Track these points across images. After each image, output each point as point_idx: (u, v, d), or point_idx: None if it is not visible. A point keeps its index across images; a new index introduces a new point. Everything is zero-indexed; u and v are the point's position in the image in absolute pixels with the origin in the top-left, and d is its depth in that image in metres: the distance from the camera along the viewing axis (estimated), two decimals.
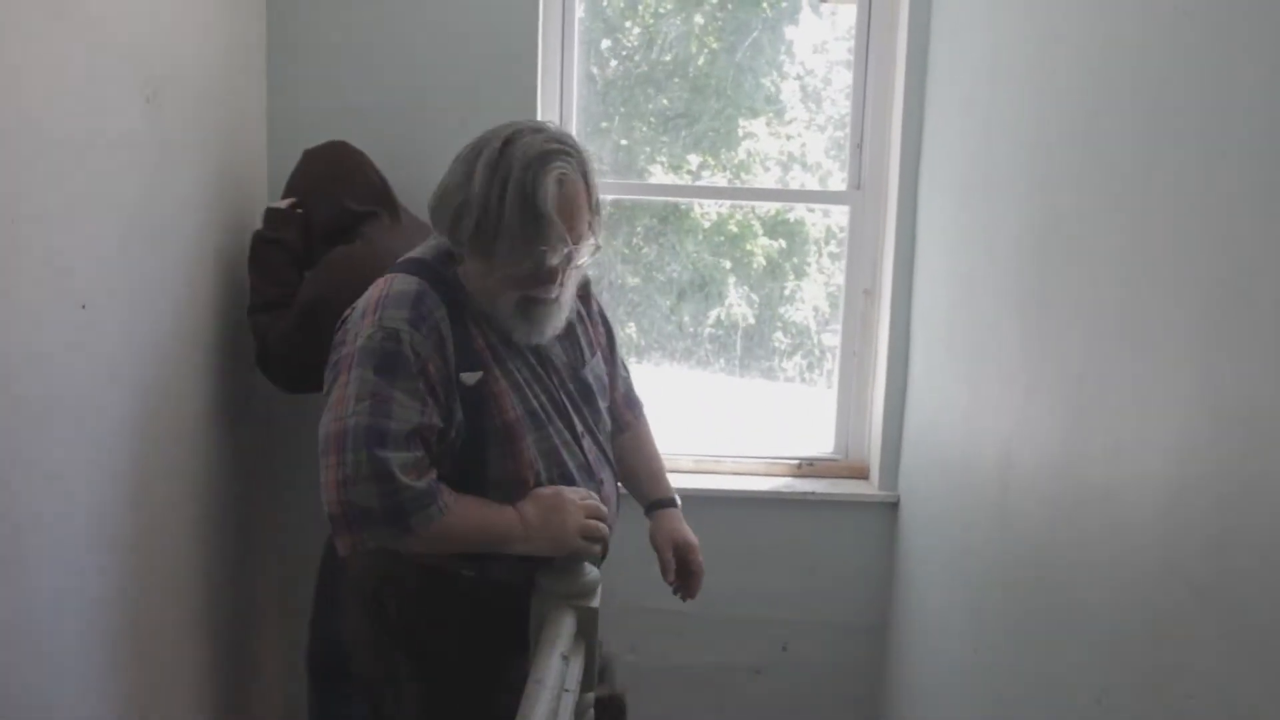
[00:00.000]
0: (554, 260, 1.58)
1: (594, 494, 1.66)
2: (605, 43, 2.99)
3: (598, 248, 1.68)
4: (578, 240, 1.60)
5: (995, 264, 2.04)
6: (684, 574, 1.87)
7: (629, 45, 3.02)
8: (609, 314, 1.99)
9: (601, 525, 1.62)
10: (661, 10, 2.99)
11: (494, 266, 1.60)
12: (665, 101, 3.04)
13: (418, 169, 2.74)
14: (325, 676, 2.37)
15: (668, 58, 3.01)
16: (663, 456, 2.03)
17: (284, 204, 2.34)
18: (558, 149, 1.58)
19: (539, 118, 2.72)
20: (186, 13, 2.18)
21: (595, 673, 1.54)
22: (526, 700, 1.24)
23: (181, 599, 2.22)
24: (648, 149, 3.01)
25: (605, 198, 1.82)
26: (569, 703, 1.37)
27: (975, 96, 2.23)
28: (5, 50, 1.58)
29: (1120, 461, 1.44)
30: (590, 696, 1.56)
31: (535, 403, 1.68)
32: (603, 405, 1.83)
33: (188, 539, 2.24)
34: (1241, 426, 1.16)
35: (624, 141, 3.03)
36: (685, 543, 1.87)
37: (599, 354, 1.85)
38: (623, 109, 3.03)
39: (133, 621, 2.00)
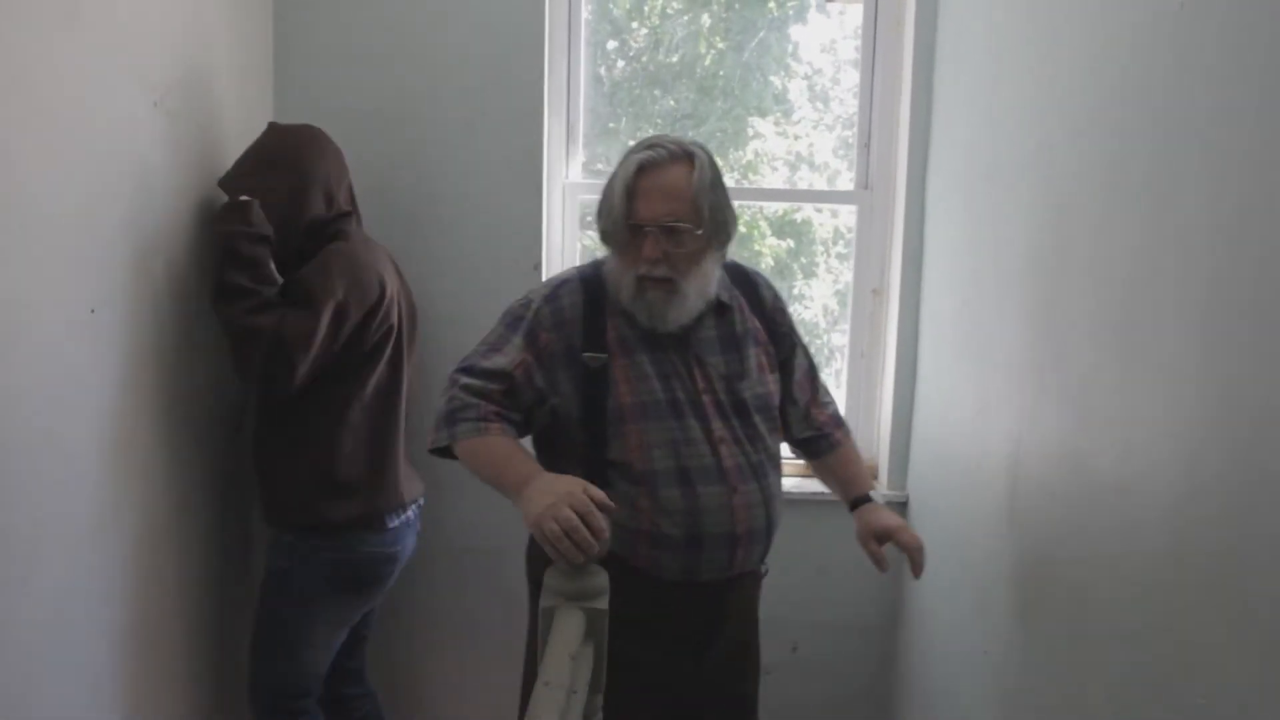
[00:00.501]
0: (635, 230, 1.80)
1: (608, 506, 1.57)
2: (612, 43, 2.99)
3: (710, 237, 1.83)
4: (668, 220, 1.79)
5: (1003, 263, 2.03)
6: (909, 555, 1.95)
7: (636, 46, 3.02)
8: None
9: (564, 541, 1.51)
10: (668, 11, 2.99)
11: (610, 247, 1.87)
12: (672, 102, 3.04)
13: (424, 171, 2.75)
14: None
15: (674, 58, 3.00)
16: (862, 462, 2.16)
17: (245, 199, 2.14)
18: (657, 143, 1.84)
19: (545, 119, 2.73)
20: (193, 17, 2.18)
21: (604, 674, 1.54)
22: (534, 702, 1.24)
23: (188, 599, 2.22)
24: None
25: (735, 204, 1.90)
26: (577, 704, 1.36)
27: (982, 95, 2.23)
28: (14, 55, 1.59)
29: (1129, 460, 1.43)
30: (599, 699, 1.55)
31: (661, 395, 1.85)
32: (762, 423, 1.92)
33: (197, 540, 2.25)
34: (1250, 423, 1.15)
35: (631, 143, 3.02)
36: (883, 529, 1.96)
37: (769, 378, 1.96)
38: (630, 110, 3.03)
39: (141, 621, 2.01)
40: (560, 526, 1.49)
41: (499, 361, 1.83)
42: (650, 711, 1.90)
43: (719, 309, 1.93)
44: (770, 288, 2.07)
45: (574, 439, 1.85)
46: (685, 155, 1.83)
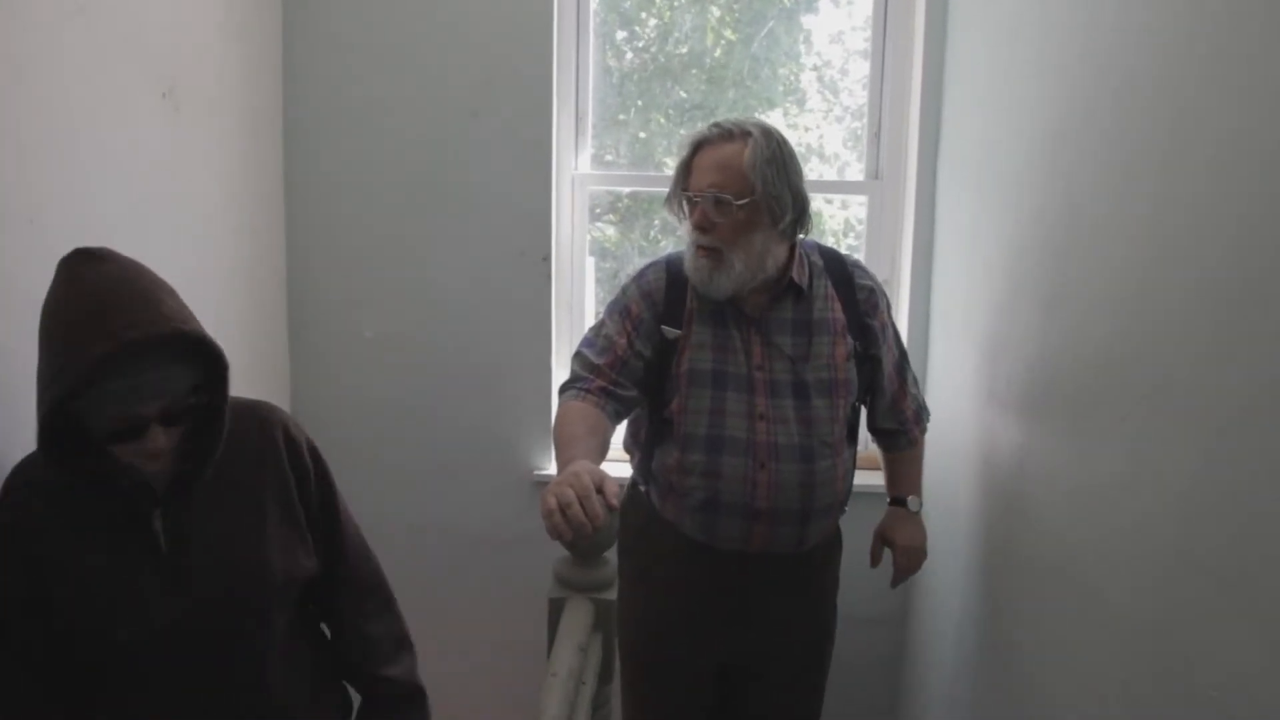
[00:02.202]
0: (690, 201, 1.96)
1: (605, 491, 1.57)
2: (621, 34, 2.98)
3: (760, 211, 1.91)
4: (711, 190, 1.91)
5: (1014, 253, 2.02)
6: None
7: (645, 37, 3.01)
8: None
9: (556, 515, 1.52)
10: (677, 2, 2.98)
11: (671, 216, 2.04)
12: (682, 93, 3.03)
13: (432, 162, 2.75)
14: None
15: (684, 49, 2.99)
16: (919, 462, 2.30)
17: None
18: (718, 123, 1.96)
19: (554, 111, 2.72)
20: (202, 7, 2.18)
21: (613, 664, 1.54)
22: (544, 692, 1.24)
23: None
24: (665, 141, 3.00)
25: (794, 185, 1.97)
26: (586, 694, 1.37)
27: (993, 85, 2.21)
28: (22, 48, 1.59)
29: (1141, 451, 1.42)
30: (608, 689, 1.55)
31: (710, 366, 1.99)
32: (824, 408, 2.00)
33: None
34: (1263, 413, 1.14)
35: (641, 134, 3.02)
36: (889, 540, 2.23)
37: (842, 365, 2.03)
38: (639, 101, 3.02)
39: None
40: (557, 502, 1.51)
41: (605, 335, 2.02)
42: (676, 654, 2.10)
43: (798, 293, 2.02)
44: (868, 280, 2.11)
45: (650, 396, 2.03)
46: (742, 133, 1.93)
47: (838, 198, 3.06)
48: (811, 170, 2.98)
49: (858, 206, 2.97)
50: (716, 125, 1.96)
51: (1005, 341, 2.06)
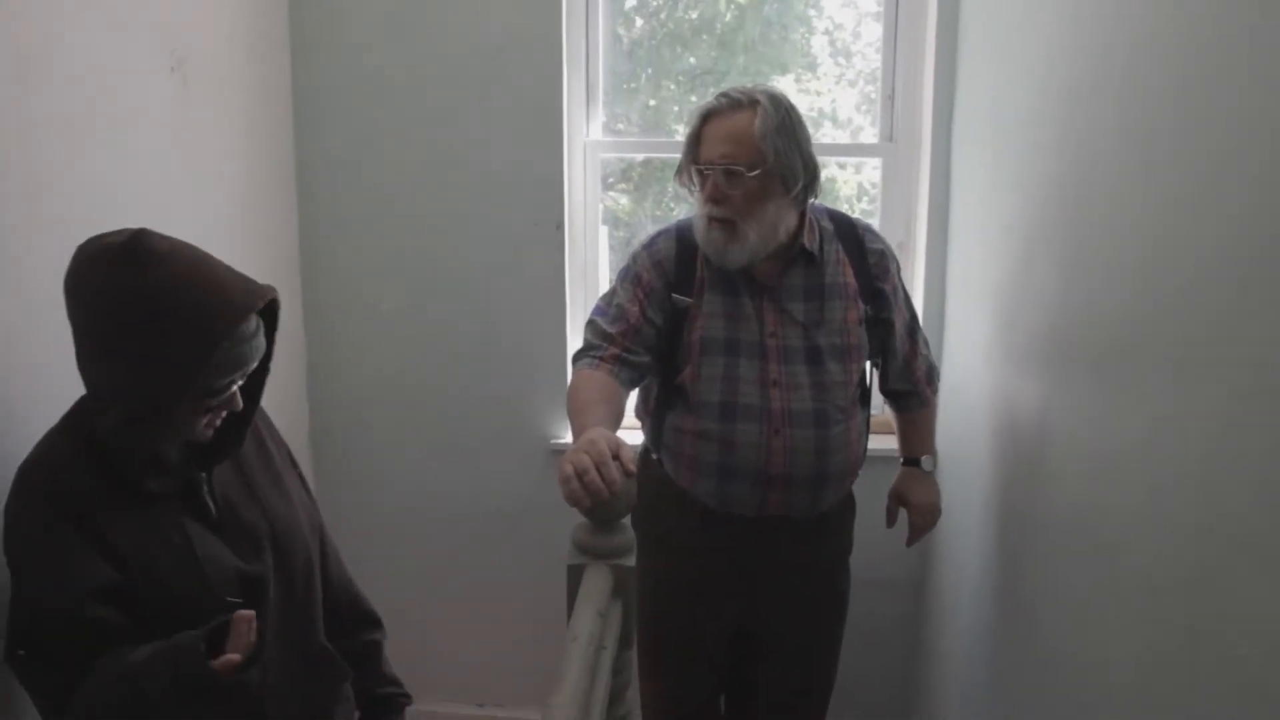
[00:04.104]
0: (700, 173, 1.94)
1: (621, 457, 1.56)
2: (630, 1, 2.95)
3: (772, 180, 1.91)
4: (722, 162, 1.90)
5: (1032, 214, 2.00)
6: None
7: (655, 3, 2.98)
8: None
9: (573, 482, 1.52)
10: None
11: (683, 189, 2.03)
12: (692, 60, 3.00)
13: (443, 132, 2.74)
14: None
15: (694, 14, 2.96)
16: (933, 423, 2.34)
17: None
18: (725, 92, 1.94)
19: (564, 78, 2.70)
20: None
21: (632, 629, 1.54)
22: (564, 657, 1.24)
23: None
24: (676, 108, 2.97)
25: (799, 152, 1.95)
26: (606, 659, 1.37)
27: (1009, 44, 2.18)
28: (30, 22, 1.58)
29: (1162, 413, 1.41)
30: (628, 654, 1.56)
31: (723, 334, 2.00)
32: (838, 373, 2.01)
33: None
34: None
35: (651, 102, 3.00)
36: (905, 500, 2.27)
37: (854, 330, 2.04)
38: (650, 68, 2.99)
39: None
40: (574, 469, 1.51)
41: (617, 304, 2.02)
42: (694, 616, 2.12)
43: (809, 258, 2.01)
44: (878, 244, 2.12)
45: (661, 364, 2.04)
46: (750, 102, 1.91)
47: (850, 162, 3.04)
48: (824, 135, 2.95)
49: (870, 171, 2.95)
50: (724, 95, 1.94)
51: (1023, 304, 2.04)
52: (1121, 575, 1.53)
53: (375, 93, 2.72)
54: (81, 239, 1.73)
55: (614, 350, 1.96)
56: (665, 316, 2.02)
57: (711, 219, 1.94)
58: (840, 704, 2.35)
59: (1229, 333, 1.24)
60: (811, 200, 2.01)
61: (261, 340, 1.41)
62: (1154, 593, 1.42)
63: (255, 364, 1.41)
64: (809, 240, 2.01)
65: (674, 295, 2.02)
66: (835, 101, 3.01)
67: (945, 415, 2.62)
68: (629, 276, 2.05)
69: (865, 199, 3.03)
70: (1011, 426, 2.10)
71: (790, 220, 1.98)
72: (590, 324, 2.04)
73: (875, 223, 2.81)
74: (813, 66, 2.99)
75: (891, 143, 2.76)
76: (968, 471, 2.41)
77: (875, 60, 2.83)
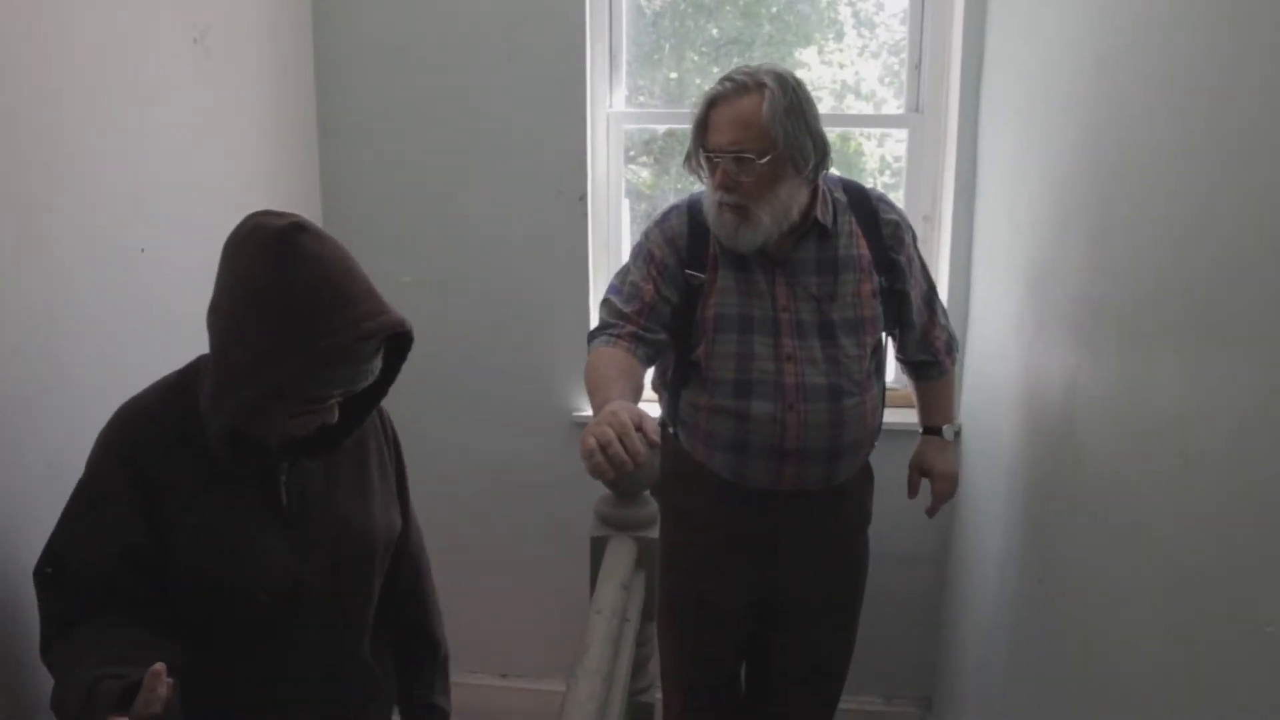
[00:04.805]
0: (710, 159, 1.93)
1: (645, 429, 1.55)
2: None
3: (784, 163, 1.89)
4: (732, 149, 1.88)
5: (1061, 185, 1.97)
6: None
7: None
8: None
9: (597, 455, 1.51)
10: None
11: (692, 174, 2.01)
12: (715, 31, 2.97)
13: (466, 103, 2.72)
14: None
15: None
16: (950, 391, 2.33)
17: None
18: (730, 76, 1.91)
19: (587, 49, 2.68)
20: None
21: (655, 602, 1.54)
22: (587, 629, 1.24)
23: None
24: (699, 79, 2.95)
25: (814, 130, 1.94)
26: (629, 631, 1.37)
27: (1039, 13, 2.15)
28: None
29: (1193, 388, 1.39)
30: (652, 627, 1.56)
31: (735, 310, 1.99)
32: (851, 346, 2.01)
33: None
34: None
35: (673, 75, 2.98)
36: (926, 468, 2.28)
37: (869, 303, 2.03)
38: (673, 39, 2.97)
39: None
40: (597, 441, 1.51)
41: (631, 282, 2.02)
42: (718, 594, 2.13)
43: (821, 232, 2.00)
44: (893, 214, 2.10)
45: (676, 340, 2.04)
46: (756, 86, 1.88)
47: (875, 134, 3.01)
48: (849, 107, 2.92)
49: (893, 143, 2.92)
50: (729, 79, 1.92)
51: (1053, 276, 2.02)
52: (1149, 551, 1.52)
53: (397, 64, 2.71)
54: (106, 211, 1.74)
55: (630, 328, 1.96)
56: (679, 293, 2.01)
57: (723, 204, 1.93)
58: (862, 679, 2.36)
59: (1266, 305, 1.22)
60: (823, 172, 1.99)
61: (376, 365, 1.40)
62: (1182, 568, 1.41)
63: (363, 385, 1.40)
64: (821, 214, 2.00)
65: (687, 271, 2.01)
66: (859, 73, 2.97)
67: (971, 389, 2.60)
68: (642, 254, 2.05)
69: (888, 172, 3.00)
70: (1038, 400, 2.08)
71: (802, 198, 1.97)
72: (605, 303, 2.03)
73: (900, 195, 2.79)
74: (838, 37, 2.95)
75: (918, 114, 2.73)
76: (994, 445, 2.39)
77: (899, 32, 2.79)
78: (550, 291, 2.80)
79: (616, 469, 1.49)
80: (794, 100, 1.88)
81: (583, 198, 2.74)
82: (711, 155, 1.92)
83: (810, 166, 1.91)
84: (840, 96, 2.94)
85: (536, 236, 2.77)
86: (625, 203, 2.90)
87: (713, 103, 1.92)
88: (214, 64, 2.08)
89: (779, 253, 2.01)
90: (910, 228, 2.12)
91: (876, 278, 2.05)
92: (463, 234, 2.79)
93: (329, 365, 1.32)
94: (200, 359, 1.45)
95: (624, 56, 2.80)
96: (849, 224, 2.04)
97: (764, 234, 1.93)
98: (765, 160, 1.87)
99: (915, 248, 2.14)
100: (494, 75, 2.70)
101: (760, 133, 1.86)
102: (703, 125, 1.93)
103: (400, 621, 1.75)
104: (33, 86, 1.56)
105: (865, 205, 2.07)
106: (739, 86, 1.89)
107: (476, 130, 2.73)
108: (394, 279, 2.81)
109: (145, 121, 1.85)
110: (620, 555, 1.43)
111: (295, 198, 2.55)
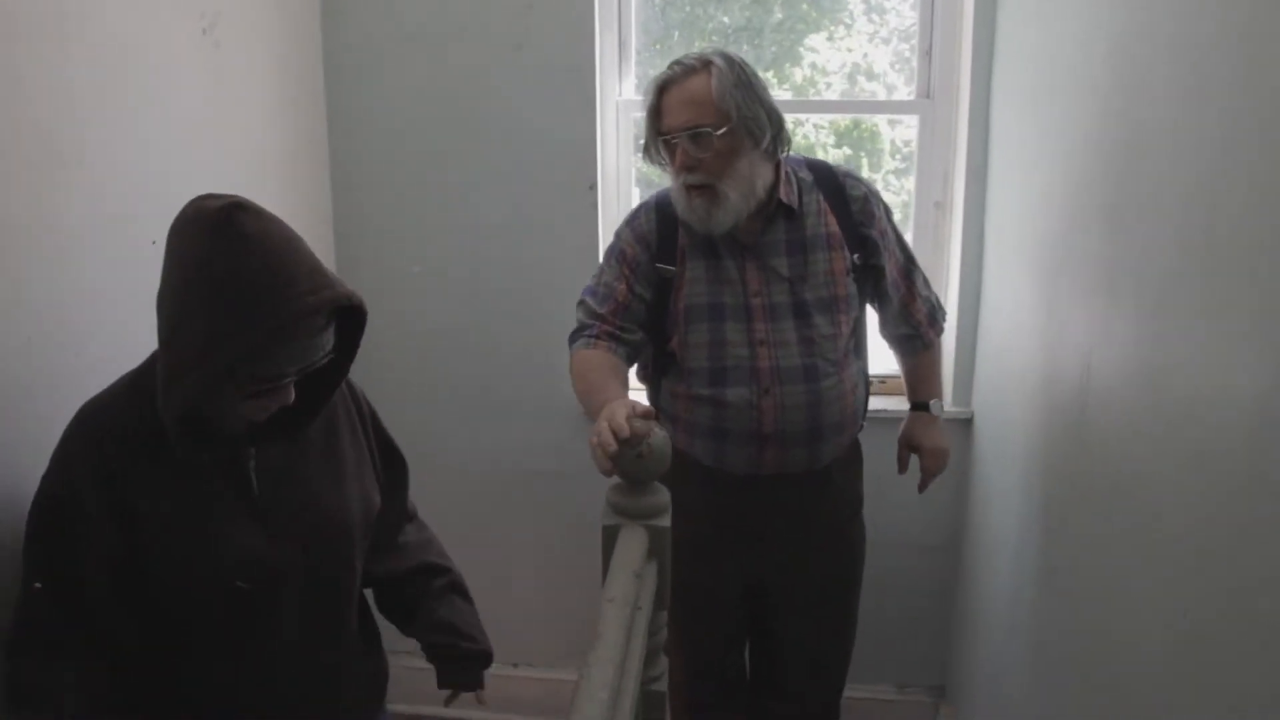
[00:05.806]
0: (668, 144, 1.94)
1: (637, 412, 1.61)
2: None
3: (740, 136, 1.90)
4: (687, 127, 1.89)
5: (1073, 170, 1.95)
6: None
7: None
8: None
9: (599, 451, 1.56)
10: None
11: (654, 165, 2.03)
12: (725, 19, 2.96)
13: (474, 90, 2.72)
14: None
15: None
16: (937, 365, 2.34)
17: None
18: (677, 61, 1.93)
19: (596, 36, 2.67)
20: None
21: (667, 590, 1.55)
22: (600, 617, 1.24)
23: None
24: None
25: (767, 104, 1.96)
26: (642, 620, 1.37)
27: None
28: None
29: (1209, 376, 1.38)
30: (664, 615, 1.56)
31: (706, 300, 2.01)
32: (825, 326, 2.01)
33: None
34: None
35: None
36: (915, 445, 2.28)
37: (841, 280, 2.03)
38: (682, 27, 2.95)
39: None
40: (597, 438, 1.55)
41: (605, 283, 2.05)
42: (710, 586, 2.13)
43: (788, 213, 1.99)
44: (861, 189, 2.09)
45: (652, 333, 2.06)
46: (703, 65, 1.91)
47: (885, 118, 2.99)
48: (860, 92, 2.91)
49: (902, 129, 2.90)
50: (677, 63, 1.94)
51: (1067, 261, 2.00)
52: (1163, 538, 1.51)
53: (406, 53, 2.70)
54: (115, 201, 1.74)
55: (606, 328, 2.00)
56: (653, 289, 2.04)
57: (689, 188, 1.93)
58: (875, 668, 2.36)
59: (1277, 286, 1.21)
60: (787, 153, 2.00)
61: (327, 340, 1.38)
62: (1198, 555, 1.40)
63: (315, 362, 1.37)
64: (785, 194, 2.00)
65: (658, 265, 2.03)
66: (869, 59, 2.95)
67: (983, 376, 2.59)
68: (614, 253, 2.07)
69: (898, 156, 2.99)
70: (1051, 386, 2.07)
71: (766, 175, 1.97)
72: (581, 304, 2.06)
73: (911, 180, 2.77)
74: (849, 23, 2.94)
75: (929, 99, 2.72)
76: (1007, 433, 2.38)
77: (909, 17, 2.77)
78: (560, 280, 2.79)
79: (621, 442, 1.52)
80: (741, 75, 1.90)
81: (592, 186, 2.73)
82: (668, 138, 1.93)
83: (768, 139, 1.92)
84: (851, 81, 2.93)
85: (546, 225, 2.77)
86: (635, 191, 2.89)
87: (663, 87, 1.94)
88: (223, 55, 2.08)
89: (748, 236, 2.01)
90: (881, 201, 2.12)
91: (849, 254, 2.05)
92: (472, 223, 2.79)
93: (276, 342, 1.30)
94: (155, 353, 1.43)
95: (633, 45, 2.79)
96: (816, 202, 2.05)
97: (734, 212, 1.93)
98: (721, 133, 1.88)
99: (889, 220, 2.14)
100: (503, 64, 2.69)
101: (712, 107, 1.88)
102: (656, 111, 1.95)
103: (401, 568, 1.78)
104: (43, 78, 1.56)
105: (831, 181, 2.08)
106: (687, 69, 1.92)
107: (486, 120, 2.72)
108: (404, 270, 2.82)
109: (155, 113, 1.85)
110: (632, 544, 1.44)
111: (304, 188, 2.55)
